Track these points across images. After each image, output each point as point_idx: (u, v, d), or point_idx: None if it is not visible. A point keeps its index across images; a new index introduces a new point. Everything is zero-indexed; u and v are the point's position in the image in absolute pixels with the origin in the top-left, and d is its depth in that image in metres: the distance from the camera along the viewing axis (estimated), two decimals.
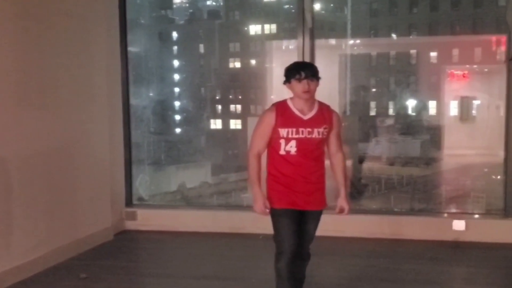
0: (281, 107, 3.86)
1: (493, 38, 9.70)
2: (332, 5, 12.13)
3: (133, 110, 7.27)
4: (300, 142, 3.80)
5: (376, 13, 13.09)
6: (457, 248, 6.08)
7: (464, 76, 10.90)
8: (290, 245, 3.81)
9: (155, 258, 5.95)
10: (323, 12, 11.04)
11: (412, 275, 5.28)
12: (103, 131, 6.41)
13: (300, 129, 3.79)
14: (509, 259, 5.77)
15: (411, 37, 12.94)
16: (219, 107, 14.11)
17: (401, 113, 11.83)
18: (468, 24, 12.96)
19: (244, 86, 14.21)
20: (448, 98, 10.97)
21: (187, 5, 16.33)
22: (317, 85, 3.83)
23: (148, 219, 6.92)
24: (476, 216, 6.65)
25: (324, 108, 3.92)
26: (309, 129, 3.80)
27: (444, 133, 10.62)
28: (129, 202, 7.08)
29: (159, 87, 10.93)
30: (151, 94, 10.12)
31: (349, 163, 4.24)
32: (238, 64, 14.80)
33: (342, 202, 4.01)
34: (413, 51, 12.15)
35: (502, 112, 6.58)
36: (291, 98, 3.89)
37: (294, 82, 3.79)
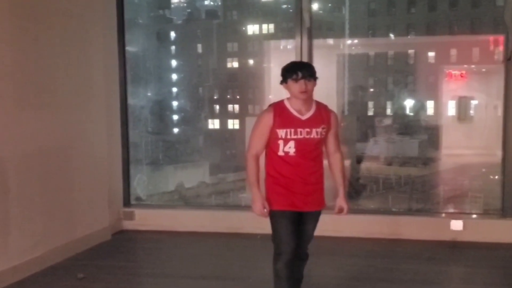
0: (278, 107, 3.83)
1: (491, 38, 9.71)
2: (330, 5, 12.15)
3: (131, 110, 7.25)
4: (298, 143, 3.78)
5: (374, 13, 13.11)
6: (455, 248, 6.08)
7: (462, 76, 10.91)
8: (289, 246, 3.80)
9: (153, 258, 5.95)
10: (321, 12, 11.05)
11: (410, 275, 5.28)
12: (101, 131, 6.40)
13: (299, 130, 3.77)
14: (506, 259, 5.77)
15: (409, 37, 12.96)
16: (217, 107, 14.12)
17: (399, 113, 11.85)
18: (466, 24, 12.98)
19: (242, 86, 14.22)
20: (446, 98, 10.98)
21: (185, 4, 16.33)
22: (314, 85, 3.79)
23: (146, 219, 6.91)
24: (474, 216, 6.65)
25: (322, 108, 3.90)
26: (308, 130, 3.77)
27: (442, 133, 10.63)
28: (127, 202, 7.07)
29: (157, 87, 10.93)
30: (149, 94, 10.12)
31: (347, 163, 4.24)
32: (236, 64, 14.81)
33: (341, 202, 3.99)
34: (411, 51, 12.17)
35: (499, 112, 6.58)
36: (288, 99, 3.86)
37: (291, 82, 3.76)
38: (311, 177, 3.86)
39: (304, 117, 3.80)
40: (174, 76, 13.36)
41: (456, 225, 6.23)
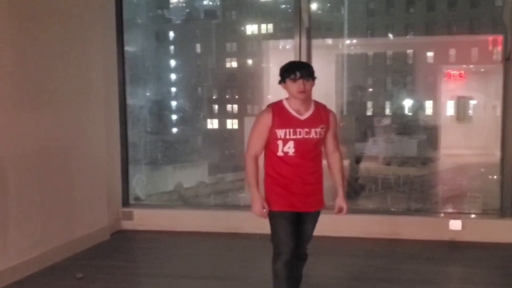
0: (277, 107, 3.82)
1: (490, 38, 9.72)
2: (329, 5, 12.15)
3: (130, 110, 7.25)
4: (298, 143, 3.76)
5: (373, 13, 13.13)
6: (454, 248, 6.09)
7: (460, 76, 10.91)
8: (288, 247, 3.80)
9: (152, 258, 5.94)
10: (320, 11, 11.04)
11: (409, 274, 5.28)
12: (100, 131, 6.40)
13: (298, 130, 3.75)
14: (505, 259, 5.77)
15: (407, 37, 12.98)
16: (216, 107, 14.12)
17: (398, 113, 11.86)
18: (465, 24, 13.00)
19: (240, 86, 14.23)
20: (444, 98, 10.98)
21: (184, 4, 16.34)
22: (312, 85, 3.78)
23: (144, 219, 6.90)
24: (473, 216, 6.65)
25: (320, 108, 3.89)
26: (307, 130, 3.76)
27: (441, 133, 10.64)
28: (125, 202, 7.06)
29: (155, 86, 10.94)
30: (147, 94, 10.12)
31: (346, 163, 4.24)
32: (234, 64, 14.82)
33: (341, 201, 3.99)
34: (409, 51, 12.17)
35: (498, 112, 6.58)
36: (286, 99, 3.84)
37: (289, 82, 3.74)
38: (310, 177, 3.85)
39: (303, 117, 3.79)
40: (173, 76, 13.36)
41: (455, 225, 6.23)
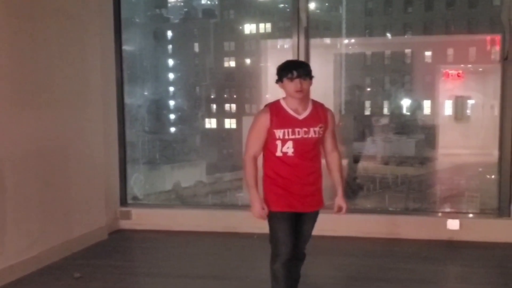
0: (274, 107, 3.80)
1: (488, 37, 9.72)
2: (327, 4, 12.15)
3: (128, 109, 7.24)
4: (297, 143, 3.75)
5: (371, 12, 13.12)
6: (452, 247, 6.10)
7: (458, 76, 10.92)
8: (287, 247, 3.79)
9: (150, 258, 5.94)
10: (318, 11, 11.05)
11: (407, 274, 5.29)
12: (97, 130, 6.40)
13: (296, 130, 3.74)
14: (503, 258, 5.78)
15: (406, 36, 12.98)
16: (214, 106, 14.10)
17: (396, 112, 11.85)
18: (463, 23, 13.00)
19: (239, 85, 14.21)
20: (442, 97, 10.99)
21: (182, 4, 16.32)
22: (310, 84, 3.77)
23: (142, 219, 6.90)
24: (471, 215, 6.66)
25: (318, 107, 3.87)
26: (305, 129, 3.75)
27: (439, 132, 10.64)
28: (123, 202, 7.06)
29: (154, 86, 10.92)
30: (145, 93, 10.11)
31: (344, 162, 4.24)
32: (233, 63, 14.80)
33: (340, 201, 3.98)
34: (408, 51, 12.18)
35: (496, 111, 6.59)
36: (284, 98, 3.83)
37: (286, 81, 3.73)
38: (310, 178, 3.84)
39: (301, 117, 3.78)
40: (171, 75, 13.34)
41: (453, 224, 6.24)
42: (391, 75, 12.35)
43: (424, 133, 11.12)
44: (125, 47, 7.11)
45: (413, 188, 9.72)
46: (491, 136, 6.96)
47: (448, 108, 10.86)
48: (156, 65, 11.65)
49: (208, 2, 16.83)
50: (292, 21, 6.56)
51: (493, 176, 6.84)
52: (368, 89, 12.23)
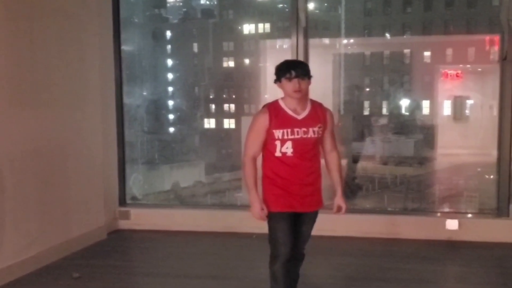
0: (273, 108, 3.78)
1: (487, 37, 9.73)
2: (326, 4, 12.16)
3: (127, 109, 7.24)
4: (296, 143, 3.73)
5: (370, 12, 13.14)
6: (451, 247, 6.10)
7: (457, 76, 10.94)
8: (286, 248, 3.78)
9: (149, 258, 5.94)
10: (317, 11, 11.06)
11: (405, 274, 5.29)
12: (96, 130, 6.39)
13: (295, 130, 3.72)
14: (501, 258, 5.78)
15: (405, 36, 13.00)
16: (213, 106, 14.11)
17: (395, 112, 11.87)
18: (462, 23, 13.02)
19: (238, 85, 14.22)
20: (441, 97, 11.01)
21: (181, 4, 16.32)
22: (308, 83, 3.75)
23: (141, 218, 6.90)
24: (469, 215, 6.66)
25: (317, 106, 3.86)
26: (305, 129, 3.73)
27: (438, 132, 10.65)
28: (122, 201, 7.05)
29: (152, 86, 10.92)
30: (144, 93, 10.11)
31: (343, 162, 4.23)
32: (232, 63, 14.82)
33: (339, 201, 3.96)
34: (407, 51, 12.19)
35: (495, 111, 6.60)
36: (282, 98, 3.81)
37: (284, 81, 3.71)
38: (309, 178, 3.82)
39: (300, 117, 3.76)
40: (170, 75, 13.35)
41: (452, 224, 6.24)
42: (390, 75, 12.37)
43: (423, 133, 11.14)
44: (124, 47, 7.11)
45: (412, 188, 9.73)
46: (490, 136, 6.97)
47: (447, 108, 10.88)
48: (155, 65, 11.66)
49: (207, 2, 16.83)
50: (291, 21, 6.56)
51: (492, 176, 6.85)
52: (367, 89, 12.25)
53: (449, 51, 11.35)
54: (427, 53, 12.09)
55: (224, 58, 15.04)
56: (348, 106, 10.87)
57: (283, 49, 9.02)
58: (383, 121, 11.53)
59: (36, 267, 5.35)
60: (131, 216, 6.90)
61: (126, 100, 7.19)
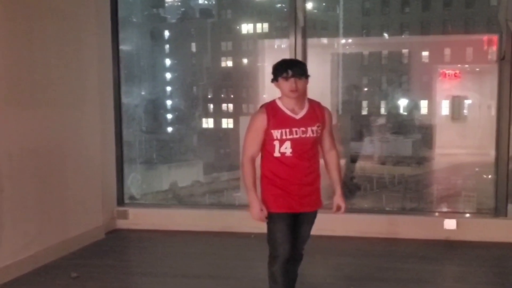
0: (271, 108, 3.76)
1: (485, 37, 9.73)
2: (324, 4, 12.15)
3: (125, 109, 7.24)
4: (295, 143, 3.72)
5: (368, 12, 13.14)
6: (449, 247, 6.10)
7: (455, 76, 10.94)
8: (285, 249, 3.77)
9: (147, 257, 5.94)
10: (315, 11, 11.05)
11: (404, 274, 5.29)
12: (94, 130, 6.39)
13: (294, 129, 3.71)
14: (499, 258, 5.79)
15: (403, 36, 13.00)
16: (211, 106, 14.10)
17: (393, 112, 11.87)
18: (460, 23, 13.03)
19: (236, 85, 14.21)
20: (439, 97, 11.02)
21: (179, 3, 16.31)
22: (306, 83, 3.73)
23: (139, 218, 6.90)
24: (467, 215, 6.67)
25: (315, 105, 3.84)
26: (303, 129, 3.72)
27: (436, 132, 10.66)
28: (120, 201, 7.05)
29: (151, 85, 10.91)
30: (143, 93, 10.10)
31: (341, 162, 4.23)
32: (230, 63, 14.81)
33: (339, 200, 3.95)
34: (405, 51, 12.20)
35: (493, 111, 6.60)
36: (279, 98, 3.79)
37: (281, 80, 3.69)
38: (308, 178, 3.81)
39: (298, 116, 3.75)
40: (168, 75, 13.34)
41: (450, 224, 6.24)
42: (388, 75, 12.36)
43: (421, 133, 11.14)
44: (122, 47, 7.10)
45: (410, 188, 9.73)
46: (488, 136, 6.97)
47: (445, 108, 10.88)
48: (153, 64, 11.65)
49: (205, 2, 16.84)
50: (289, 21, 6.56)
51: (489, 176, 6.85)
52: (365, 89, 12.24)
53: (447, 51, 11.36)
54: (425, 53, 12.09)
55: (223, 58, 15.03)
56: (346, 106, 10.86)
57: (281, 49, 9.01)
58: (381, 121, 11.52)
59: (34, 267, 5.34)
60: (129, 216, 6.90)
61: (124, 99, 7.19)
